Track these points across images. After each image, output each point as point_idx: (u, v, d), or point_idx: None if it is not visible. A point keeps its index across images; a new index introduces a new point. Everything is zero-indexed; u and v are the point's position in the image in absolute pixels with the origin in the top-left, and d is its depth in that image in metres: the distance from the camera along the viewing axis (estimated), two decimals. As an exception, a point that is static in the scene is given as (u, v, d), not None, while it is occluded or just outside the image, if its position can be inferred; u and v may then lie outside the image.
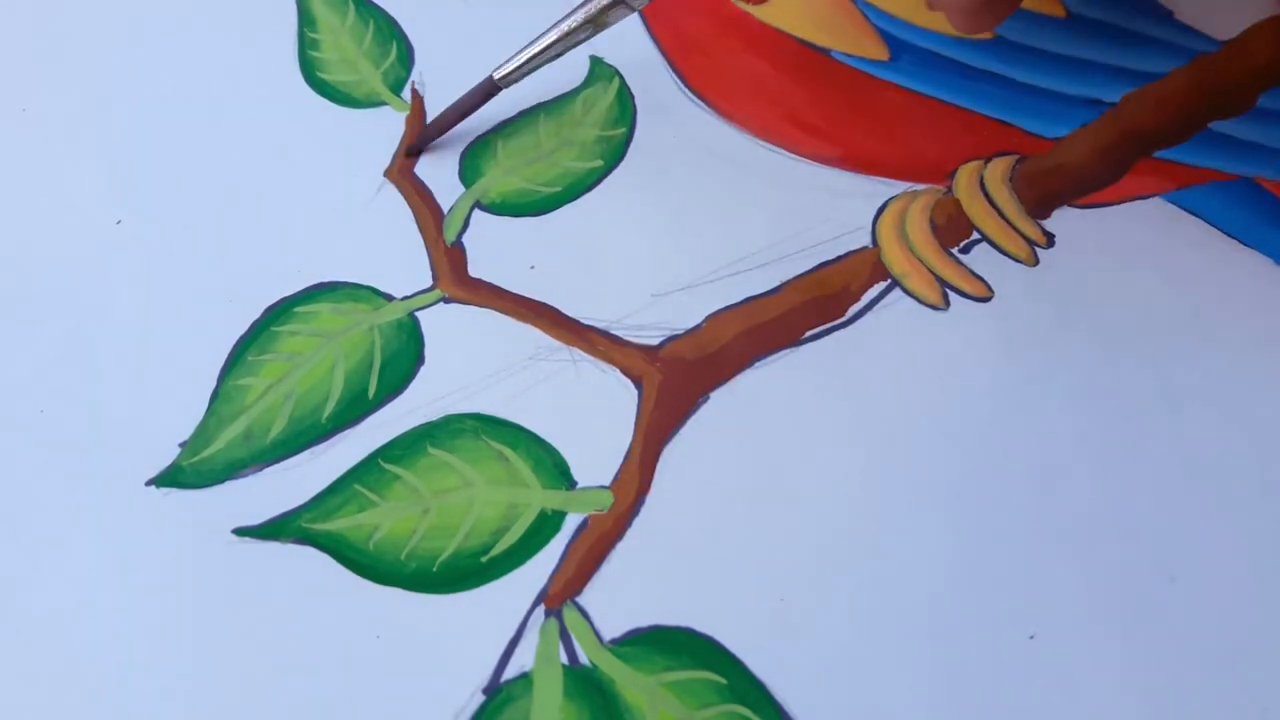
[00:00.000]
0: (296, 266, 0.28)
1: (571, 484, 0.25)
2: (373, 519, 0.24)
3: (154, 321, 0.27)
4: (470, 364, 0.26)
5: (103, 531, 0.24)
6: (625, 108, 0.31)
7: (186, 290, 0.28)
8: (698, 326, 0.27)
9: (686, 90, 0.32)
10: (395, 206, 0.29)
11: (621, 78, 0.32)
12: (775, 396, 0.26)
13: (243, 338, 0.27)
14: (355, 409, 0.26)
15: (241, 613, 0.23)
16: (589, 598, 0.23)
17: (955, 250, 0.28)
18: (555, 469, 0.25)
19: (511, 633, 0.23)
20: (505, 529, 0.24)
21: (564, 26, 0.28)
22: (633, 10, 0.28)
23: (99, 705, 0.22)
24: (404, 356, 0.27)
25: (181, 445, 0.25)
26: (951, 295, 0.28)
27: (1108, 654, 0.23)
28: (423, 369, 0.26)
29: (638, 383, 0.26)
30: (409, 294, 0.28)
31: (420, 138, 0.30)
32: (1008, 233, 0.29)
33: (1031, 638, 0.23)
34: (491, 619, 0.23)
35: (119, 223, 0.29)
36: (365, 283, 0.28)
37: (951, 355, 0.27)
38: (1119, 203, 0.29)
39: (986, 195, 0.29)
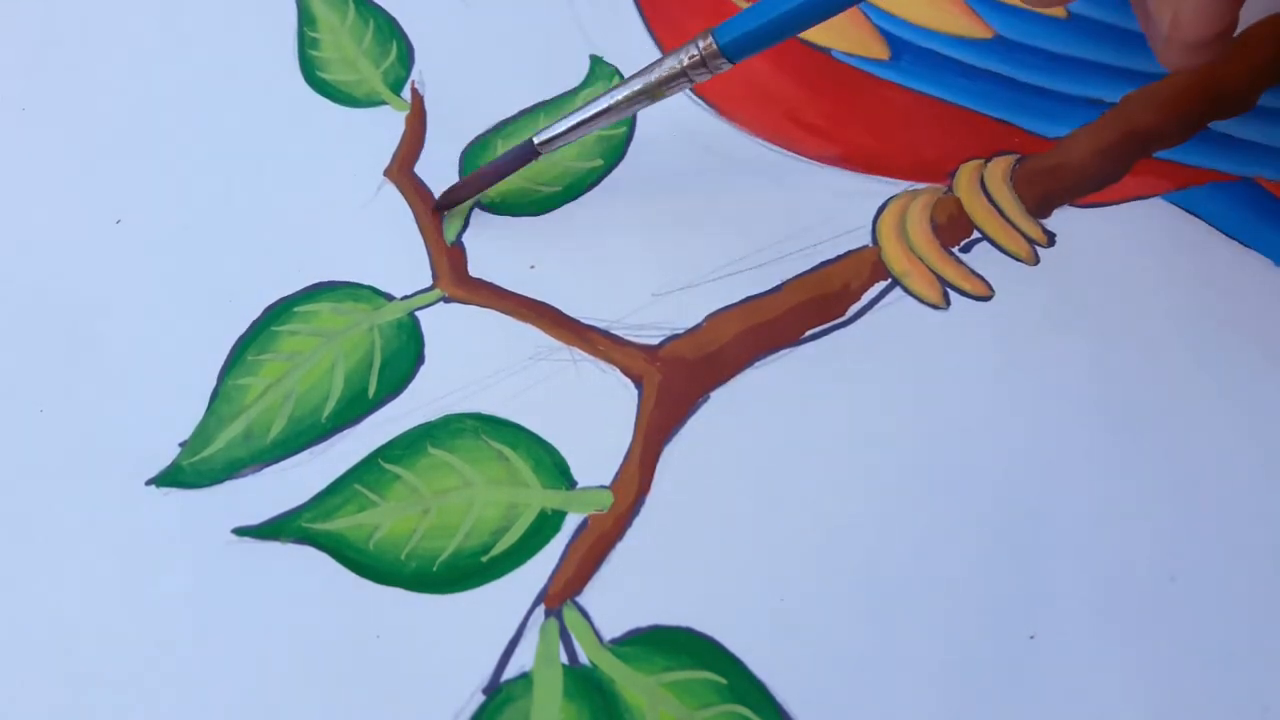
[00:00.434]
0: (296, 266, 0.28)
1: (571, 484, 0.25)
2: (373, 519, 0.24)
3: (154, 321, 0.27)
4: (470, 364, 0.26)
5: (103, 531, 0.24)
6: (625, 107, 0.31)
7: (186, 290, 0.28)
8: (698, 326, 0.27)
9: (687, 89, 0.32)
10: (395, 206, 0.29)
11: (621, 76, 0.32)
12: (775, 396, 0.26)
13: (242, 337, 0.27)
14: (355, 409, 0.26)
15: (241, 613, 0.23)
16: (589, 598, 0.23)
17: (956, 249, 0.28)
18: (555, 469, 0.25)
19: (511, 633, 0.23)
20: (505, 529, 0.24)
21: (616, 95, 0.26)
22: (692, 83, 0.26)
23: (99, 705, 0.22)
24: (404, 356, 0.27)
25: (181, 445, 0.25)
26: (952, 294, 0.28)
27: (1108, 654, 0.23)
28: (423, 369, 0.26)
29: (638, 382, 0.26)
30: (409, 293, 0.28)
31: (448, 196, 0.29)
32: (1009, 232, 0.28)
33: (1031, 638, 0.23)
34: (491, 619, 0.23)
35: (119, 222, 0.29)
36: (365, 282, 0.28)
37: (952, 354, 0.27)
38: (1119, 202, 0.29)
39: (987, 194, 0.29)
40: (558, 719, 0.22)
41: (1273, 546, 0.24)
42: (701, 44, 0.25)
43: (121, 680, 0.22)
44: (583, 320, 0.27)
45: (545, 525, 0.24)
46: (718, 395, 0.26)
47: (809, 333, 0.27)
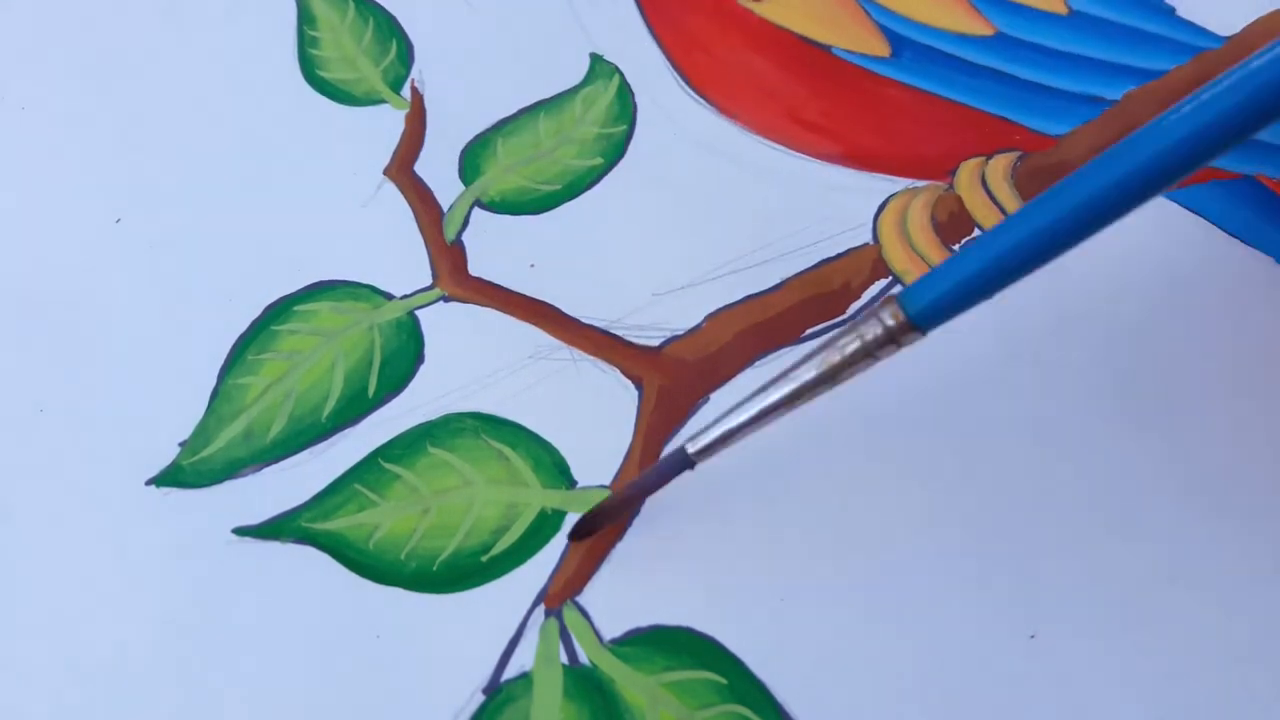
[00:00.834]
0: (296, 265, 0.28)
1: (571, 483, 0.25)
2: (373, 518, 0.24)
3: (153, 320, 0.27)
4: (470, 363, 0.26)
5: (103, 531, 0.24)
6: (625, 105, 0.31)
7: (186, 289, 0.28)
8: (698, 326, 0.27)
9: (687, 87, 0.32)
10: (395, 205, 0.29)
11: (621, 75, 0.32)
12: (775, 395, 0.26)
13: (242, 336, 0.27)
14: (355, 408, 0.26)
15: (241, 612, 0.23)
16: (589, 598, 0.23)
17: (957, 247, 0.28)
18: (555, 468, 0.25)
19: (511, 632, 0.23)
20: (505, 528, 0.24)
21: (783, 390, 0.21)
22: (877, 362, 0.21)
23: (98, 705, 0.22)
24: (404, 355, 0.27)
25: (181, 444, 0.25)
26: (952, 293, 0.27)
27: (1108, 654, 0.23)
28: (423, 368, 0.26)
29: (638, 383, 0.26)
30: (409, 292, 0.28)
31: (595, 517, 0.24)
32: (1009, 230, 0.28)
33: (1032, 638, 0.23)
34: (491, 619, 0.23)
35: (118, 221, 0.29)
36: (365, 281, 0.28)
37: (952, 353, 0.27)
38: (1120, 200, 0.29)
39: (989, 192, 0.29)
40: (558, 719, 0.22)
41: (1273, 546, 0.24)
42: (886, 315, 0.20)
43: (121, 680, 0.22)
44: (583, 320, 0.27)
45: (545, 525, 0.24)
46: (717, 395, 0.26)
47: (809, 331, 0.27)
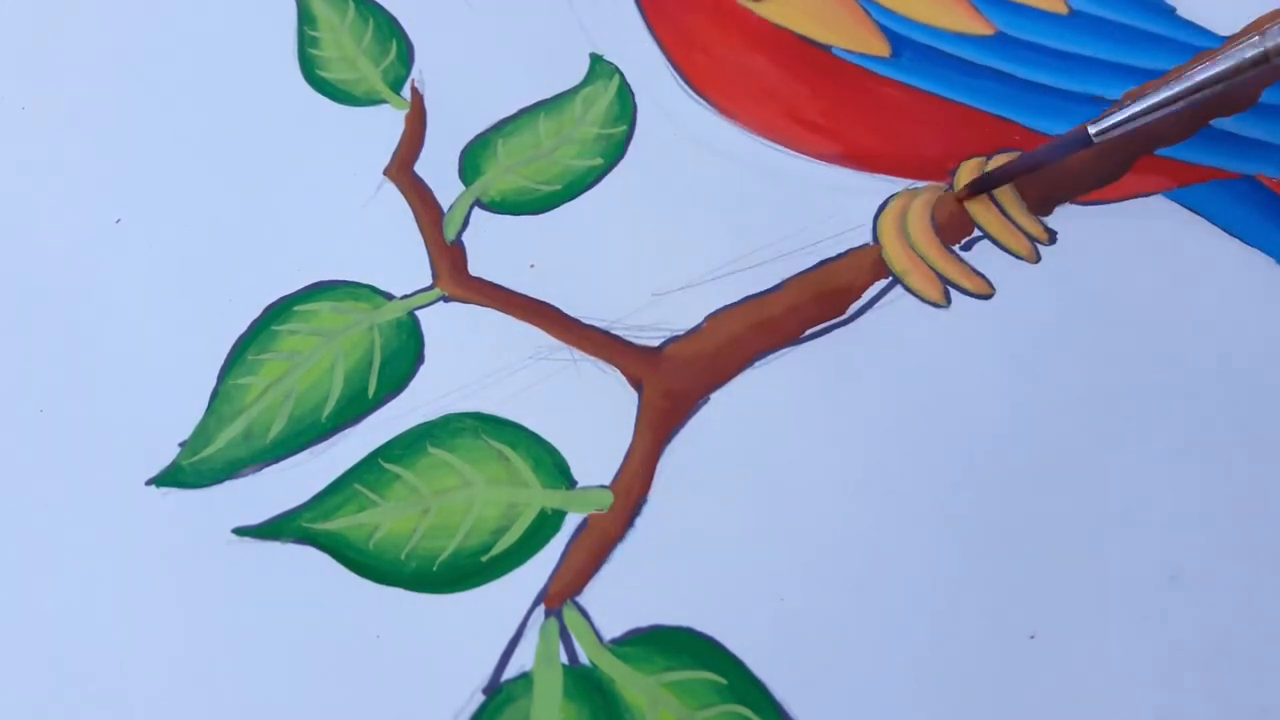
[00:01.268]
0: (296, 265, 0.28)
1: (571, 483, 0.25)
2: (373, 518, 0.24)
3: (153, 320, 0.27)
4: (470, 363, 0.26)
5: (103, 531, 0.24)
6: (625, 105, 0.31)
7: (186, 289, 0.28)
8: (698, 326, 0.27)
9: (687, 87, 0.32)
10: (395, 205, 0.29)
11: (621, 75, 0.32)
12: (776, 395, 0.26)
13: (242, 337, 0.27)
14: (355, 408, 0.26)
15: (241, 613, 0.23)
16: (589, 598, 0.23)
17: (957, 247, 0.28)
18: (555, 468, 0.25)
19: (511, 633, 0.23)
20: (505, 528, 0.24)
21: (1189, 81, 0.24)
22: (1274, 69, 0.24)
23: (98, 705, 0.22)
24: (404, 355, 0.27)
25: (181, 445, 0.25)
26: (953, 292, 0.27)
27: (1108, 654, 0.23)
28: (422, 368, 0.26)
29: (638, 383, 0.26)
30: (409, 293, 0.28)
31: (985, 179, 0.28)
32: (1010, 230, 0.28)
33: (1032, 638, 0.23)
34: (491, 619, 0.23)
35: (118, 221, 0.29)
36: (365, 281, 0.28)
37: (953, 353, 0.27)
38: (1121, 200, 0.29)
39: (989, 192, 0.29)
40: (558, 719, 0.22)
41: (1273, 546, 0.24)
42: None
43: (121, 680, 0.22)
44: (583, 320, 0.27)
45: (545, 525, 0.24)
46: (718, 395, 0.26)
47: (809, 331, 0.27)
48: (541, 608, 0.23)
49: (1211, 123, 0.30)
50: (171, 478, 0.25)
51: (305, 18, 0.33)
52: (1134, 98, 0.26)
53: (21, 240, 0.29)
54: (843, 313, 0.27)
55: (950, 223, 0.29)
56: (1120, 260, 0.28)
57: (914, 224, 0.29)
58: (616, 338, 0.27)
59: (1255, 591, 0.23)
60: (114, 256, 0.28)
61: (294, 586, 0.23)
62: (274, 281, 0.28)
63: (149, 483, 0.25)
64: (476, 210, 0.29)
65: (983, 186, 0.28)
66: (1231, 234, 0.28)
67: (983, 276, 0.28)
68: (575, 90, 0.32)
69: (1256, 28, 0.31)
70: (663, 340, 0.27)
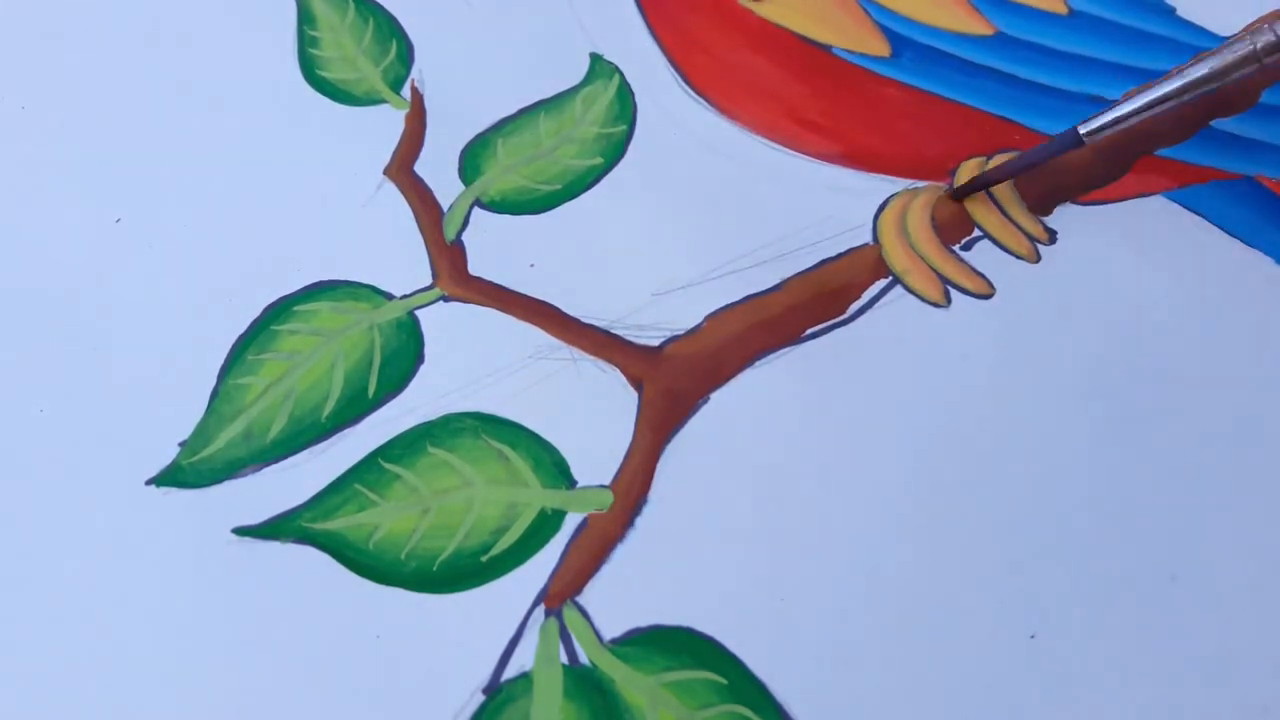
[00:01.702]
0: (296, 265, 0.28)
1: (571, 483, 0.25)
2: (373, 518, 0.24)
3: (153, 320, 0.27)
4: (470, 363, 0.26)
5: (103, 531, 0.24)
6: (625, 105, 0.31)
7: (186, 289, 0.28)
8: (698, 326, 0.27)
9: (687, 87, 0.32)
10: (395, 205, 0.29)
11: (621, 75, 0.32)
12: (776, 395, 0.26)
13: (242, 336, 0.27)
14: (355, 408, 0.26)
15: (241, 612, 0.23)
16: (589, 597, 0.23)
17: (957, 247, 0.28)
18: (555, 468, 0.25)
19: (511, 632, 0.23)
20: (505, 528, 0.24)
21: (1178, 83, 0.25)
22: (1262, 69, 0.25)
23: (99, 705, 0.22)
24: (404, 355, 0.27)
25: (181, 444, 0.25)
26: (953, 292, 0.27)
27: (1108, 654, 0.23)
28: (422, 368, 0.26)
29: (638, 383, 0.26)
30: (409, 292, 0.28)
31: (976, 183, 0.28)
32: (1010, 230, 0.28)
33: (1032, 638, 0.23)
34: (491, 619, 0.23)
35: (118, 221, 0.29)
36: (365, 281, 0.28)
37: (953, 352, 0.27)
38: (1121, 200, 0.29)
39: (989, 192, 0.29)
40: (558, 719, 0.22)
41: (1273, 546, 0.24)
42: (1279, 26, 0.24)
43: (121, 680, 0.22)
44: (583, 320, 0.27)
45: (545, 525, 0.24)
46: (718, 395, 0.26)
47: (809, 331, 0.27)
48: (541, 608, 0.23)
49: (1211, 123, 0.30)
50: (171, 477, 0.25)
51: (305, 17, 0.33)
52: (1130, 98, 0.26)
53: (21, 240, 0.29)
54: (843, 312, 0.27)
55: (950, 223, 0.29)
56: (1120, 260, 0.28)
57: (914, 224, 0.29)
58: (616, 337, 0.27)
59: (1255, 591, 0.23)
60: (114, 256, 0.28)
61: (294, 586, 0.23)
62: (274, 281, 0.28)
63: (149, 482, 0.25)
64: (476, 210, 0.29)
65: (974, 187, 0.28)
66: (1231, 234, 0.28)
67: (983, 276, 0.28)
68: (575, 90, 0.32)
69: (1251, 29, 0.31)
70: (663, 340, 0.27)
